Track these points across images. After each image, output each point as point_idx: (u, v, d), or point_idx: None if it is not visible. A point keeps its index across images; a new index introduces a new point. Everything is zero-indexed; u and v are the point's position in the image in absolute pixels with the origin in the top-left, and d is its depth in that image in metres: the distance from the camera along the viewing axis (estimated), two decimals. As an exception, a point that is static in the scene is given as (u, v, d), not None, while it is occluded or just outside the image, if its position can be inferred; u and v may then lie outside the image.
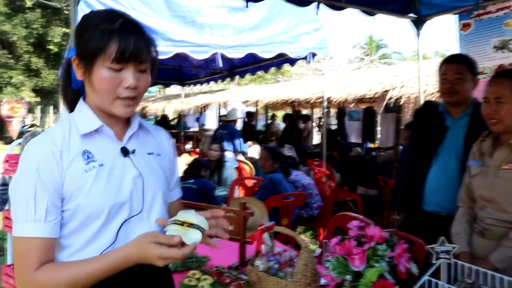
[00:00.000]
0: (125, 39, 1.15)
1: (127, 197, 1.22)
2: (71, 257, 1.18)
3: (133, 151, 1.28)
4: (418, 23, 4.63)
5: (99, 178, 1.19)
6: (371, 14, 4.43)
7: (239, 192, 5.39)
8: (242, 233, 2.38)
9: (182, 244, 1.10)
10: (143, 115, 17.31)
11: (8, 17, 20.66)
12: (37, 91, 22.82)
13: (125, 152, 1.26)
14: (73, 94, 1.31)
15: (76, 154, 1.19)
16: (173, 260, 1.12)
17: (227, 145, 7.01)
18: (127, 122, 1.31)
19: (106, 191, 1.18)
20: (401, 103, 6.39)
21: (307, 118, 13.49)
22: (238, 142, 7.55)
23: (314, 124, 15.01)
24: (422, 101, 4.96)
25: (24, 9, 21.16)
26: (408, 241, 1.97)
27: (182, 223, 1.13)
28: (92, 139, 1.23)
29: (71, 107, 1.29)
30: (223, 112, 12.69)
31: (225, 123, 8.24)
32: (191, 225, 1.13)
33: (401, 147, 7.21)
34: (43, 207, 1.13)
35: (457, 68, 2.53)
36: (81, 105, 1.27)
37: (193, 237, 1.11)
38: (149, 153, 1.33)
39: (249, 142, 8.35)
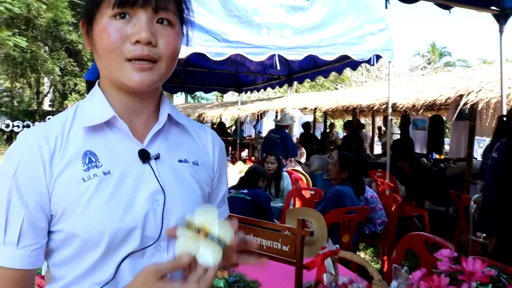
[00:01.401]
0: None
1: (139, 221, 0.86)
2: None
3: (157, 156, 0.92)
4: (502, 17, 4.09)
5: (101, 190, 0.85)
6: (448, 7, 3.96)
7: (295, 204, 4.98)
8: (299, 256, 1.99)
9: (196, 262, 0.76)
10: (200, 122, 17.31)
11: (75, 26, 21.42)
12: (99, 97, 23.60)
13: (144, 156, 0.90)
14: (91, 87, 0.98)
15: (74, 155, 0.86)
16: None
17: (278, 149, 6.66)
18: (156, 115, 0.97)
19: (108, 209, 0.84)
20: (478, 109, 5.76)
21: (361, 126, 12.92)
22: (291, 147, 7.28)
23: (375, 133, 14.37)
24: (505, 106, 4.38)
25: (89, 18, 21.95)
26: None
27: (198, 230, 0.77)
28: (101, 135, 0.90)
29: None
30: (278, 118, 12.49)
31: (279, 128, 7.86)
32: (208, 235, 0.76)
33: (475, 159, 6.59)
34: (17, 226, 0.81)
35: None
36: (94, 89, 0.94)
37: (210, 255, 0.76)
38: (181, 161, 0.97)
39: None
